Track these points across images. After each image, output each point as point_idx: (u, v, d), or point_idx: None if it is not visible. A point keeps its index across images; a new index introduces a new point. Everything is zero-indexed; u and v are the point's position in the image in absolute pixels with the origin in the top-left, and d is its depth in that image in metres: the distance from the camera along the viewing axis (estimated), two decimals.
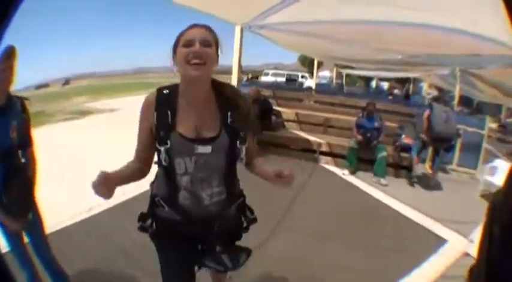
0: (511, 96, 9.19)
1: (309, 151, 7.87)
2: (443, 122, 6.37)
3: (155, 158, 1.83)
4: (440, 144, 6.63)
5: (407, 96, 24.28)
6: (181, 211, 1.78)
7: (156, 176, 1.91)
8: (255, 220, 2.05)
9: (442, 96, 21.62)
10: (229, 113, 1.77)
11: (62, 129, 12.54)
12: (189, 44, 1.66)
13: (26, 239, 2.70)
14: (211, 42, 1.70)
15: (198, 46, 1.64)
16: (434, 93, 24.70)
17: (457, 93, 8.89)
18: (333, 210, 5.11)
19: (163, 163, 1.73)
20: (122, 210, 4.50)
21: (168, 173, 1.76)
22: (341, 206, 5.37)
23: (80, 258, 3.53)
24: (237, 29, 7.90)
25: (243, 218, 2.00)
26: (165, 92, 1.79)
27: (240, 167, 1.90)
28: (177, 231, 1.84)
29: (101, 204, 4.63)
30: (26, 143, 2.63)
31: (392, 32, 5.41)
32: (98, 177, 1.53)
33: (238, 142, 1.76)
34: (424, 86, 24.65)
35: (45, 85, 47.93)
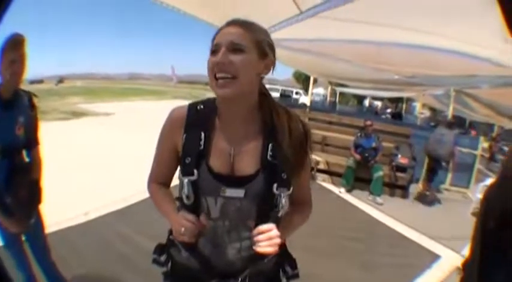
0: (504, 115, 9.30)
1: None
2: (436, 143, 6.75)
3: (175, 193, 1.45)
4: (432, 163, 6.99)
5: (398, 115, 24.50)
6: (200, 260, 1.39)
7: (178, 208, 1.42)
8: (296, 276, 1.54)
9: (434, 117, 21.91)
10: (270, 145, 1.32)
11: (58, 128, 12.43)
12: (215, 49, 1.24)
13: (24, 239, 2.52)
14: (245, 45, 1.23)
15: (222, 54, 1.21)
16: (427, 113, 25.04)
17: (450, 113, 9.01)
18: (330, 227, 5.14)
19: (186, 201, 1.33)
20: (122, 216, 4.48)
21: (189, 211, 1.33)
22: (338, 223, 5.41)
23: (76, 263, 3.50)
24: None
25: (281, 275, 1.51)
26: (198, 108, 1.38)
27: None
28: (193, 279, 1.43)
29: (98, 208, 4.64)
30: (32, 141, 2.46)
31: (391, 53, 5.48)
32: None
33: (275, 186, 1.29)
34: (417, 106, 24.91)
35: (39, 81, 47.36)
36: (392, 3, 3.43)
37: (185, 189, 1.31)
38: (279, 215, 1.34)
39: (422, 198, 7.10)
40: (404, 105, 27.20)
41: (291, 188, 1.33)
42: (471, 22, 3.32)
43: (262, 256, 1.31)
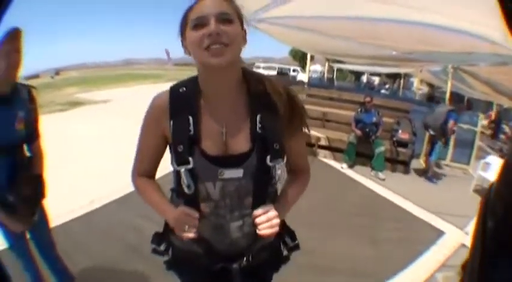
0: (502, 93, 9.30)
1: (307, 145, 7.83)
2: (430, 117, 6.96)
3: (172, 184, 1.44)
4: (430, 138, 7.21)
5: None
6: (202, 243, 1.37)
7: (171, 198, 1.46)
8: (296, 247, 1.58)
9: (432, 92, 21.85)
10: (258, 116, 1.28)
11: (55, 120, 12.36)
12: (201, 22, 1.18)
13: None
14: (233, 15, 1.22)
15: (215, 24, 1.16)
16: (425, 89, 24.97)
17: (448, 90, 8.99)
18: (333, 203, 5.21)
19: (187, 190, 1.29)
20: (126, 203, 4.45)
21: (190, 201, 1.32)
22: (341, 198, 5.47)
23: (82, 255, 3.50)
24: None
25: (282, 246, 1.56)
26: (181, 90, 1.32)
27: None
28: (197, 265, 1.43)
29: (102, 197, 4.67)
30: (33, 135, 2.37)
31: (388, 29, 5.45)
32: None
33: (268, 158, 1.27)
34: (415, 81, 24.78)
35: (35, 76, 47.05)
36: None
37: (184, 179, 1.28)
38: (276, 187, 1.37)
39: (423, 174, 7.15)
40: (402, 81, 27.07)
41: (285, 158, 1.33)
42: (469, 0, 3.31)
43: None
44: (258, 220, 1.28)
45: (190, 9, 1.23)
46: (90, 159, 6.72)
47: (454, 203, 5.51)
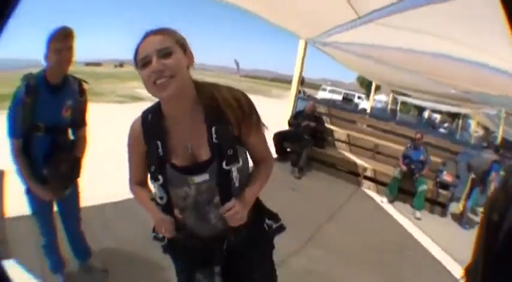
0: None
1: (354, 174, 7.80)
2: (477, 159, 6.95)
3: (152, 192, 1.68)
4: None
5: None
6: (190, 230, 1.64)
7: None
8: (281, 228, 1.79)
9: (487, 136, 21.01)
10: (213, 129, 1.50)
11: (113, 110, 12.84)
12: (145, 62, 1.37)
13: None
14: (172, 47, 1.39)
15: (156, 61, 1.35)
16: (481, 132, 24.03)
17: (500, 134, 8.66)
18: (361, 234, 5.14)
19: (159, 201, 1.58)
20: None
21: (164, 209, 1.59)
22: (371, 231, 5.38)
23: (108, 237, 3.70)
24: (301, 43, 8.01)
25: (266, 227, 1.76)
26: (149, 117, 1.57)
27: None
28: (187, 248, 1.69)
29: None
30: (78, 123, 2.69)
31: (445, 65, 5.37)
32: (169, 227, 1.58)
33: (224, 163, 1.50)
34: (472, 123, 23.96)
35: (96, 63, 48.37)
36: (447, 14, 3.36)
37: (157, 192, 1.57)
38: (237, 185, 1.55)
39: (458, 218, 6.87)
40: (460, 121, 26.23)
41: (240, 161, 1.53)
42: None
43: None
44: (225, 216, 1.52)
45: (136, 51, 1.43)
46: None
47: None
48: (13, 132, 2.42)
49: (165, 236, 1.68)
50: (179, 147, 1.53)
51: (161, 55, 1.36)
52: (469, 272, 1.27)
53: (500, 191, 1.08)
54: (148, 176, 1.58)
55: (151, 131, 1.55)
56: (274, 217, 1.79)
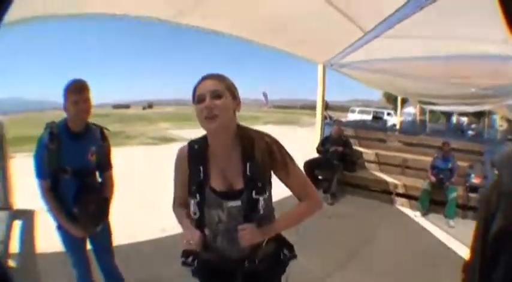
0: None
1: (386, 192, 7.72)
2: (500, 155, 6.34)
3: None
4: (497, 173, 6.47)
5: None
6: (219, 253, 1.84)
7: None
8: (294, 257, 2.01)
9: (511, 129, 20.33)
10: (248, 164, 1.76)
11: (143, 153, 13.11)
12: (200, 99, 1.68)
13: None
14: (223, 91, 1.69)
15: (208, 100, 1.66)
16: (505, 125, 23.33)
17: None
18: (399, 253, 5.07)
19: (193, 216, 1.81)
20: None
21: (197, 224, 1.80)
22: (407, 249, 5.28)
23: (143, 272, 3.84)
24: (319, 68, 8.11)
25: (282, 256, 1.97)
26: (196, 146, 1.84)
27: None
28: (215, 270, 1.89)
29: (174, 226, 4.90)
30: (104, 166, 2.87)
31: (459, 65, 5.33)
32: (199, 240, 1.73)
33: (254, 192, 1.75)
34: (497, 119, 23.29)
35: (125, 106, 48.83)
36: (447, 14, 3.39)
37: (192, 208, 1.81)
38: (261, 212, 1.78)
39: None
40: (486, 119, 25.59)
41: (267, 193, 1.79)
42: None
43: (258, 244, 1.80)
44: (238, 234, 1.72)
45: (195, 89, 1.74)
46: (166, 191, 7.07)
47: None
48: (39, 173, 2.61)
49: (194, 260, 1.86)
50: (218, 174, 1.79)
51: (213, 96, 1.67)
52: (467, 269, 1.29)
53: (492, 189, 1.11)
54: (188, 194, 1.81)
55: (195, 157, 1.81)
56: (291, 248, 2.00)
